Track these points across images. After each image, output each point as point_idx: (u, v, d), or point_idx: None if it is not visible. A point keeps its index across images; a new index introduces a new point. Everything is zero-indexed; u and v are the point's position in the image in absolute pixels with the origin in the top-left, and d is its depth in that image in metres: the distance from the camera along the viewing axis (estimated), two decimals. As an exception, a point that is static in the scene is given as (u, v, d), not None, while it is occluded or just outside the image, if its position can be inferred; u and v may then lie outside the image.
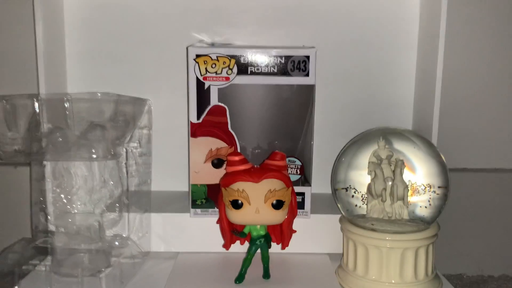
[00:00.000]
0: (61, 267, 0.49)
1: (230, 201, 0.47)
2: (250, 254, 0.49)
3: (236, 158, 0.49)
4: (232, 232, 0.50)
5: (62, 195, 0.49)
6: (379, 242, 0.48)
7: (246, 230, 0.49)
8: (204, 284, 0.49)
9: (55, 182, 0.49)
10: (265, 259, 0.50)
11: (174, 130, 0.63)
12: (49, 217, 0.50)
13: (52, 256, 0.50)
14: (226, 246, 0.51)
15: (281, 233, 0.50)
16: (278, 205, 0.47)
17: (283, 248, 0.51)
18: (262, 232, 0.49)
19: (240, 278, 0.49)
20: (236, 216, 0.48)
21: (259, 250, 0.50)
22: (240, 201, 0.47)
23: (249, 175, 0.47)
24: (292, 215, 0.50)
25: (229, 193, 0.47)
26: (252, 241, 0.49)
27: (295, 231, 0.51)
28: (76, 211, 0.49)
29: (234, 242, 0.52)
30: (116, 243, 0.51)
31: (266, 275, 0.50)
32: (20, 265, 0.48)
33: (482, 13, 0.64)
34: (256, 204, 0.47)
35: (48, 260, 0.51)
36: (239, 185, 0.47)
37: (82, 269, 0.46)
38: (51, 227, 0.50)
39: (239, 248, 0.53)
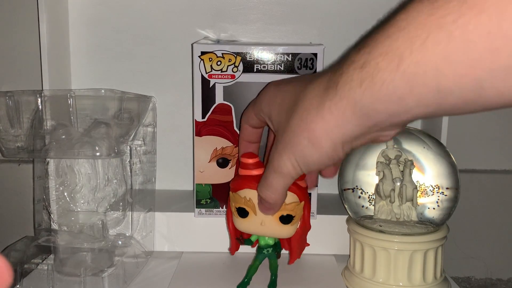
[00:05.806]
0: (64, 266, 0.48)
1: (236, 208, 0.44)
2: (256, 262, 0.46)
3: (250, 160, 0.43)
4: (237, 240, 0.47)
5: (65, 193, 0.49)
6: (387, 244, 0.47)
7: (253, 238, 0.46)
8: (209, 285, 0.49)
9: (58, 180, 0.49)
10: (274, 269, 0.47)
11: (179, 128, 0.62)
12: (52, 215, 0.50)
13: (54, 254, 0.49)
14: (232, 250, 0.48)
15: (290, 247, 0.46)
16: (286, 219, 0.42)
17: (290, 263, 0.46)
18: (271, 242, 0.45)
19: (243, 286, 0.46)
20: (241, 224, 0.44)
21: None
22: (246, 210, 0.43)
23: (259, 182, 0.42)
24: (303, 230, 0.45)
25: (236, 199, 0.43)
26: (259, 249, 0.46)
27: (308, 245, 0.47)
28: (79, 209, 0.49)
29: (238, 249, 0.48)
30: (119, 242, 0.50)
31: (273, 286, 0.46)
32: (23, 264, 0.47)
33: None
34: (262, 215, 0.42)
35: (50, 258, 0.51)
36: (246, 193, 0.43)
37: (84, 268, 0.46)
38: (54, 226, 0.50)
39: (246, 248, 0.50)
